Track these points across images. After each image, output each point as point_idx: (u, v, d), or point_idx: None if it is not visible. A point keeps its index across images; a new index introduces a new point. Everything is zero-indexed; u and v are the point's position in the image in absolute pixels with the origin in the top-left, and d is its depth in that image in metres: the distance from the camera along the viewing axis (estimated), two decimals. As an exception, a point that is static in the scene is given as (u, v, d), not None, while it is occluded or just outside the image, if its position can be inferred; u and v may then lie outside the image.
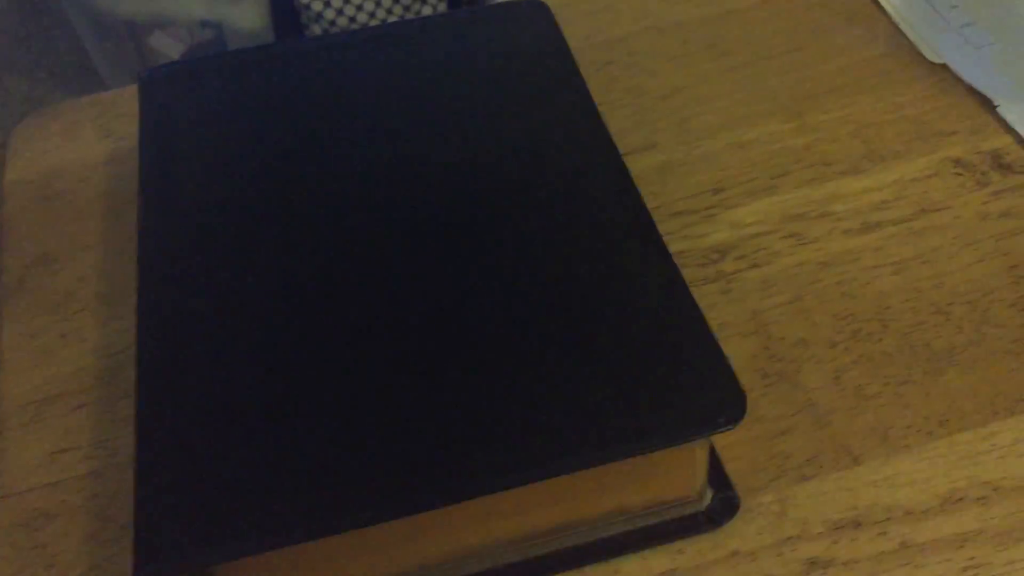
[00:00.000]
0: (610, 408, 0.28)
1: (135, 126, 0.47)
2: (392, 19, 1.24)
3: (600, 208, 0.33)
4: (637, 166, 0.42)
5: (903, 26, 0.48)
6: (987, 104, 0.44)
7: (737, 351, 0.36)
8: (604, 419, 0.27)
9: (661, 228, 0.33)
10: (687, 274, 0.34)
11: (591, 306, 0.30)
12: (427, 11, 1.18)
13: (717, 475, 0.32)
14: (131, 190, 0.44)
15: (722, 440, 0.33)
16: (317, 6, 1.44)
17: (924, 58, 0.46)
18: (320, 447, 0.28)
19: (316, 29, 1.23)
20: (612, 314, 0.30)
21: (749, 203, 0.41)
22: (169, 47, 1.37)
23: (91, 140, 0.47)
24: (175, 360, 0.30)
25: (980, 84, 0.44)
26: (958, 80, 0.45)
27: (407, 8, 1.29)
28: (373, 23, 1.29)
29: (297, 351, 0.30)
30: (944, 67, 0.46)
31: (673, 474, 0.30)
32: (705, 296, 0.38)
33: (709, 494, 0.32)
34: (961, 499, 0.32)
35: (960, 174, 0.41)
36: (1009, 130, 0.43)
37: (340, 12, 1.39)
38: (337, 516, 0.27)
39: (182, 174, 0.37)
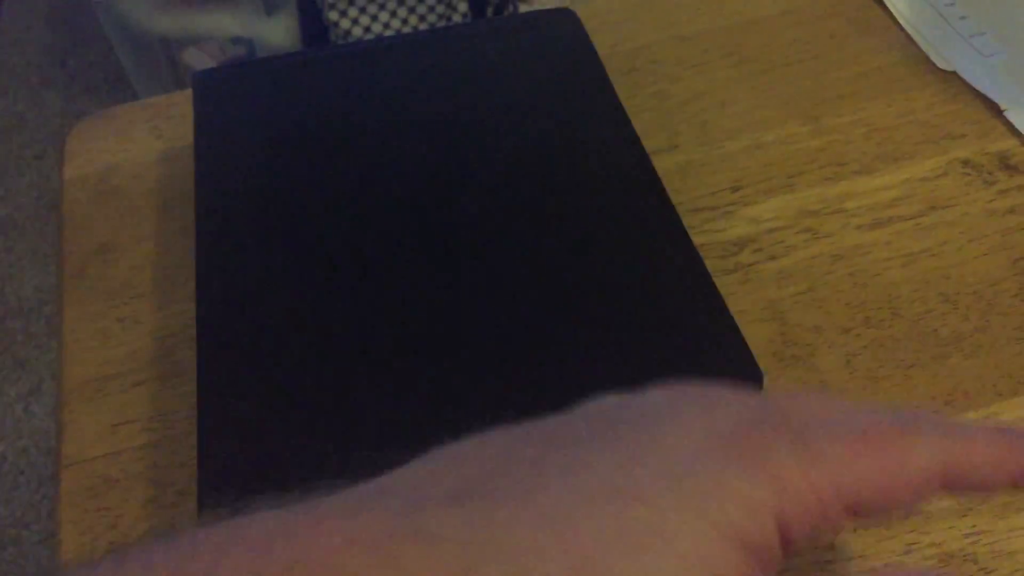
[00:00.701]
0: (636, 380, 0.30)
1: (184, 128, 0.50)
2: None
3: (628, 200, 0.36)
4: (660, 166, 0.44)
5: (914, 36, 0.50)
6: (994, 109, 0.46)
7: (754, 336, 0.38)
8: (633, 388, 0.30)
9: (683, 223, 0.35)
10: (707, 265, 0.36)
11: (619, 287, 0.33)
12: (453, 27, 1.21)
13: (735, 449, 0.34)
14: (182, 187, 0.47)
15: (740, 417, 0.35)
16: (345, 24, 1.48)
17: (934, 65, 0.49)
18: (365, 394, 0.30)
19: (345, 44, 1.26)
20: (638, 295, 0.32)
21: (766, 200, 0.43)
22: (202, 62, 1.41)
23: (143, 141, 0.49)
24: (233, 321, 0.33)
25: (988, 90, 0.47)
26: (967, 86, 0.47)
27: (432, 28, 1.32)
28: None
29: (349, 321, 0.32)
30: (953, 74, 0.48)
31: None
32: (724, 286, 0.40)
33: (728, 466, 0.34)
34: (966, 472, 0.34)
35: (968, 174, 0.44)
36: (1016, 133, 0.45)
37: (367, 30, 1.42)
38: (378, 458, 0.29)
39: (235, 165, 0.39)
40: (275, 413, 0.30)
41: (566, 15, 0.45)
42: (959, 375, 0.36)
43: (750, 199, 0.44)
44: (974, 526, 0.32)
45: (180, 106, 0.51)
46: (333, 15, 1.46)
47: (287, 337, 0.32)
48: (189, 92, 0.53)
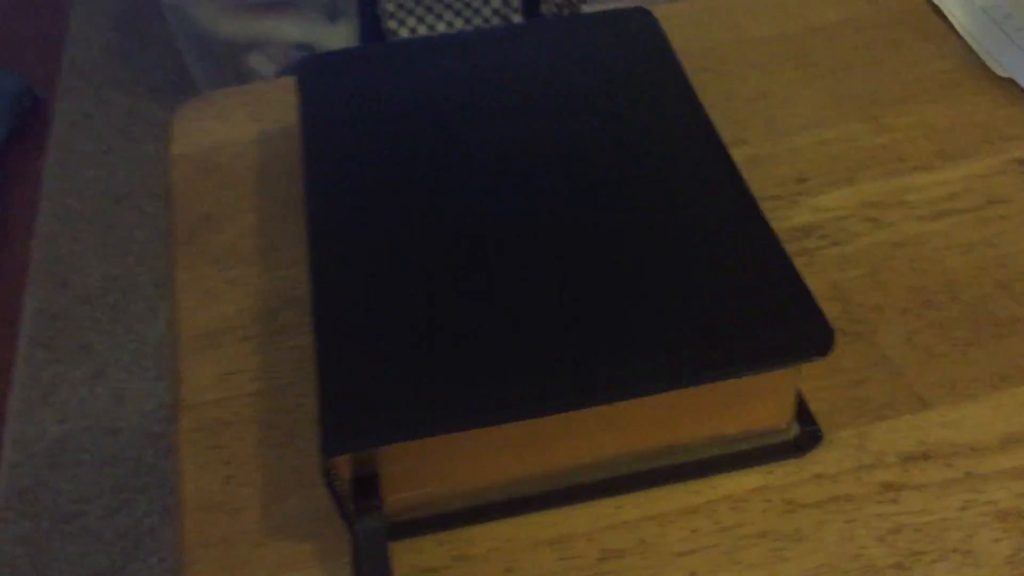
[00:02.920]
0: (724, 338, 0.33)
1: (280, 112, 0.54)
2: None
3: (708, 183, 0.39)
4: (730, 157, 0.47)
5: (972, 44, 0.53)
6: (1050, 113, 0.48)
7: (820, 313, 0.40)
8: (719, 346, 0.33)
9: (758, 198, 0.38)
10: (778, 242, 0.39)
11: (704, 260, 0.35)
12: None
13: (803, 412, 0.37)
14: (280, 165, 0.50)
15: (807, 384, 0.38)
16: (403, 32, 1.52)
17: (991, 72, 0.51)
18: (474, 352, 0.33)
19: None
20: (723, 265, 0.35)
21: (830, 191, 0.46)
22: (264, 66, 1.45)
23: (243, 123, 0.53)
24: (345, 276, 0.36)
25: (1044, 95, 0.49)
26: (1023, 93, 0.50)
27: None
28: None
29: (448, 278, 0.36)
30: (1010, 80, 0.51)
31: (767, 400, 0.35)
32: (791, 267, 0.42)
33: (795, 427, 0.36)
34: (1019, 440, 0.36)
35: (1024, 172, 0.46)
36: (1070, 136, 0.47)
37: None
38: (486, 412, 0.32)
39: (339, 141, 0.43)
40: (389, 361, 0.33)
41: (643, 14, 0.48)
42: (1014, 353, 0.39)
43: (815, 190, 0.46)
44: (1027, 488, 0.35)
45: (274, 92, 0.55)
46: (392, 24, 1.50)
47: (396, 291, 0.35)
48: (283, 81, 0.57)
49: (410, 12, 1.49)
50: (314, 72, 0.47)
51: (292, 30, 1.43)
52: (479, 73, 0.46)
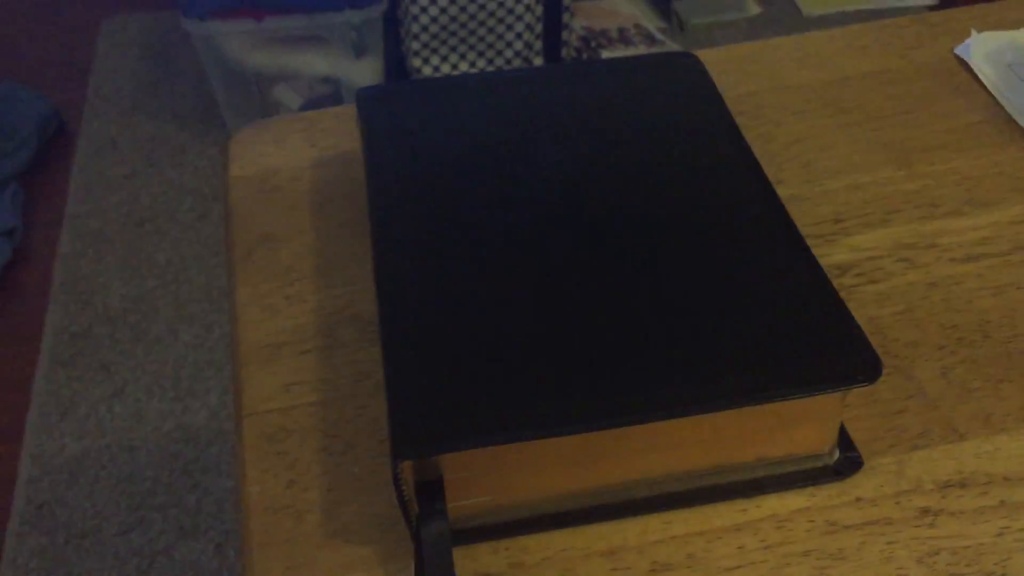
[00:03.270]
0: (777, 363, 0.35)
1: (335, 139, 0.56)
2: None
3: (756, 216, 0.41)
4: (769, 196, 0.49)
5: (1000, 99, 0.55)
6: (1075, 165, 0.51)
7: (858, 346, 0.42)
8: (773, 369, 0.34)
9: (804, 234, 0.40)
10: (821, 276, 0.41)
11: (759, 288, 0.37)
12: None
13: (844, 440, 0.39)
14: (335, 189, 0.52)
15: (847, 414, 0.40)
16: (427, 70, 1.56)
17: (1018, 125, 0.53)
18: (536, 368, 0.35)
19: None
20: (775, 295, 0.37)
21: (866, 232, 0.48)
22: (290, 99, 1.49)
23: (299, 148, 0.55)
24: (412, 291, 0.38)
25: (1070, 148, 0.51)
26: (1049, 145, 0.52)
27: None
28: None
29: (506, 299, 0.37)
30: (1037, 134, 0.53)
31: (812, 426, 0.37)
32: (829, 302, 0.44)
33: (837, 453, 0.38)
34: (1052, 472, 0.38)
35: (1051, 221, 0.48)
36: (1095, 188, 0.49)
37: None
38: (547, 424, 0.34)
39: (401, 168, 0.45)
40: (455, 371, 0.35)
41: (689, 58, 0.51)
42: (1045, 391, 0.40)
43: (851, 231, 0.48)
44: (1060, 518, 0.36)
45: (329, 120, 0.57)
46: (416, 62, 1.54)
47: (460, 305, 0.37)
48: (337, 109, 0.59)
49: (434, 51, 1.53)
50: (374, 101, 0.49)
51: (319, 64, 1.46)
52: (533, 108, 0.48)
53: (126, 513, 1.07)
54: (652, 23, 1.83)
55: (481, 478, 0.35)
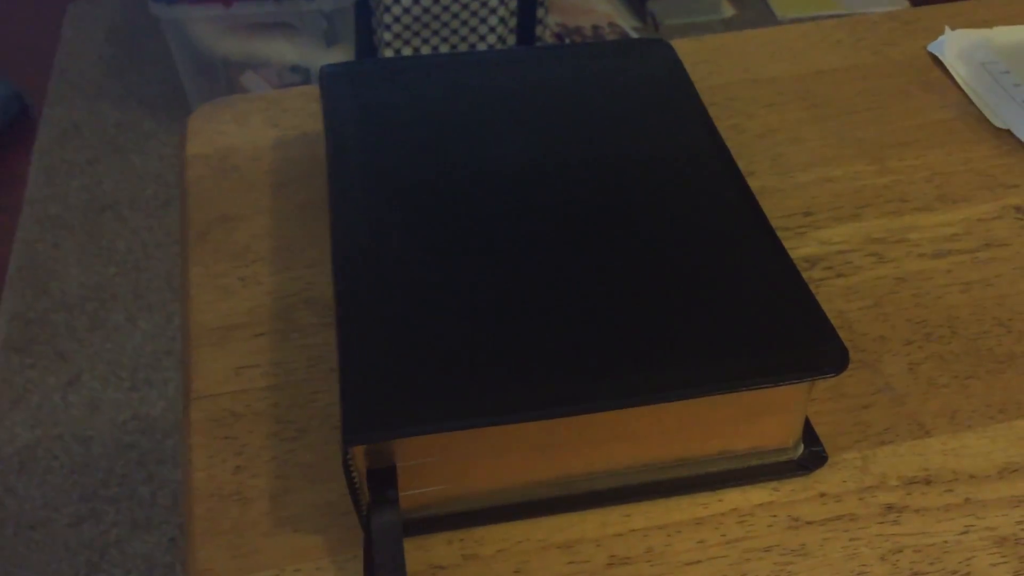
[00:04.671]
0: (744, 352, 0.34)
1: (297, 119, 0.54)
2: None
3: (726, 204, 0.40)
4: (739, 187, 0.49)
5: (972, 96, 0.55)
6: (1046, 164, 0.50)
7: (825, 340, 0.41)
8: (739, 358, 0.33)
9: (773, 224, 0.39)
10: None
11: (727, 277, 0.36)
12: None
13: (808, 434, 0.38)
14: (296, 169, 0.51)
15: (813, 408, 0.39)
16: (398, 62, 1.54)
17: (990, 123, 0.53)
18: (493, 353, 0.34)
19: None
20: (743, 285, 0.36)
21: (835, 226, 0.47)
22: (258, 85, 1.46)
23: (259, 128, 0.54)
24: (369, 274, 0.36)
25: (1040, 147, 0.51)
26: (1019, 143, 0.52)
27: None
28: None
29: (466, 279, 0.36)
30: (1008, 132, 0.53)
31: (777, 419, 0.36)
32: (797, 295, 0.44)
33: (801, 447, 0.37)
34: (1017, 470, 0.37)
35: (1020, 218, 0.48)
36: (1064, 187, 0.49)
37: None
38: (503, 410, 0.32)
39: (363, 148, 0.43)
40: (410, 355, 0.34)
41: (661, 45, 0.50)
42: (1012, 388, 0.40)
43: (820, 224, 0.48)
44: (1025, 516, 0.35)
45: (291, 100, 0.56)
46: (388, 52, 1.52)
47: (418, 289, 0.36)
48: (301, 89, 0.58)
49: (406, 42, 1.51)
50: (337, 79, 0.48)
51: (289, 52, 1.44)
52: (500, 90, 0.47)
53: (78, 504, 1.04)
54: (627, 22, 1.82)
55: (435, 466, 0.34)
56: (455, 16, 1.48)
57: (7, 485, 1.07)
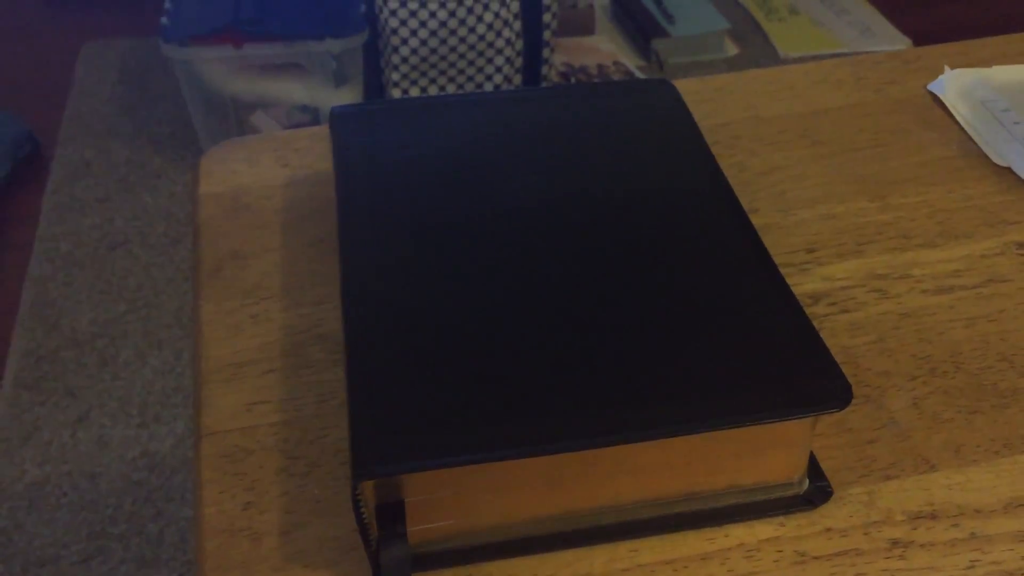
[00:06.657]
0: (749, 387, 0.34)
1: (307, 159, 0.55)
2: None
3: (730, 242, 0.40)
4: (743, 224, 0.49)
5: (972, 134, 0.56)
6: (1046, 201, 0.51)
7: (830, 375, 0.42)
8: (744, 394, 0.34)
9: (776, 260, 0.40)
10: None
11: (732, 314, 0.37)
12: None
13: (814, 469, 0.38)
14: (306, 207, 0.51)
15: (818, 443, 0.39)
16: (406, 101, 1.55)
17: (991, 161, 0.54)
18: (502, 389, 0.34)
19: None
20: (747, 321, 0.37)
21: (839, 262, 0.48)
22: (267, 125, 1.48)
23: (270, 167, 0.55)
24: (378, 310, 0.37)
25: (1041, 184, 0.52)
26: (1020, 181, 0.52)
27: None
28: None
29: (475, 318, 0.37)
30: (1008, 169, 0.53)
31: (782, 454, 0.36)
32: (802, 331, 0.44)
33: (807, 482, 0.37)
34: (1022, 504, 0.37)
35: (1022, 255, 0.48)
36: (1065, 223, 0.50)
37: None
38: (511, 445, 0.33)
39: (373, 187, 0.44)
40: (419, 391, 0.34)
41: (665, 85, 0.51)
42: (1017, 423, 0.40)
43: (824, 260, 0.48)
44: (1031, 551, 0.36)
45: (302, 140, 0.57)
46: (396, 92, 1.54)
47: (427, 325, 0.37)
48: (311, 129, 0.59)
49: (414, 83, 1.53)
50: (347, 120, 0.49)
51: (298, 92, 1.46)
52: (507, 130, 0.48)
53: (86, 542, 1.04)
54: (632, 61, 1.84)
55: (444, 501, 0.34)
56: (462, 56, 1.50)
57: (16, 522, 1.07)
